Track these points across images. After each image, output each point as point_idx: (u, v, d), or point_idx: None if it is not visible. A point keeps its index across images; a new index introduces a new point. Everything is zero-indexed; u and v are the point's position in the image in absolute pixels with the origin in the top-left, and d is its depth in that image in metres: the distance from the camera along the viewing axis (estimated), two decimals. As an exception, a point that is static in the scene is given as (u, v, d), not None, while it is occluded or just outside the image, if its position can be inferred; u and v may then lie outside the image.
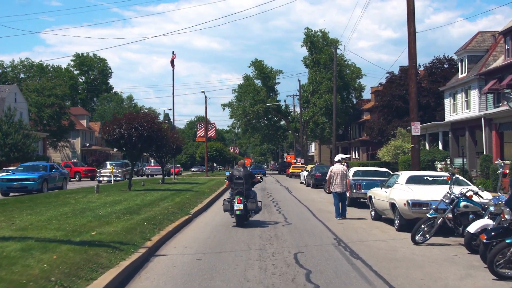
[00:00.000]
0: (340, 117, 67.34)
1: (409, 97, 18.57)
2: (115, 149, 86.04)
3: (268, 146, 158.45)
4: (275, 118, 74.89)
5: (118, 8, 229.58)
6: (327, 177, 16.00)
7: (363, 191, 18.03)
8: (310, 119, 67.92)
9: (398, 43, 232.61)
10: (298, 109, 74.93)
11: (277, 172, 78.96)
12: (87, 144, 73.36)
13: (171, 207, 15.70)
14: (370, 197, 15.40)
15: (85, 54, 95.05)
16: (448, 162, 31.58)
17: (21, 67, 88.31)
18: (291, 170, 50.68)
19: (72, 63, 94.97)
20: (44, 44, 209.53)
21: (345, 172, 15.67)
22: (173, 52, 33.51)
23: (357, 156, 58.71)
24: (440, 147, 33.49)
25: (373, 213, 15.21)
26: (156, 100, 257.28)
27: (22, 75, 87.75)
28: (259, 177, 15.46)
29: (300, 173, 38.93)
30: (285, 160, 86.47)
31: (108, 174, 34.33)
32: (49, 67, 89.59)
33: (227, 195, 15.58)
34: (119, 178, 34.84)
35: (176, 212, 14.72)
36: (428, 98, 44.44)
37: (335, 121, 44.88)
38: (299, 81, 63.42)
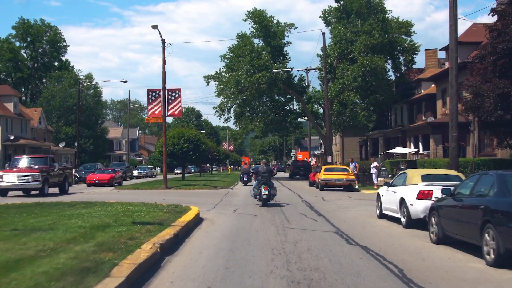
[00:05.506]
0: (384, 93, 44.73)
1: None
2: (61, 145, 63.57)
3: (270, 142, 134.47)
4: (282, 99, 51.82)
5: (118, 8, 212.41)
6: None
7: None
8: (336, 97, 45.19)
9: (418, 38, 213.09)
10: (316, 86, 52.27)
11: (286, 175, 56.43)
12: (12, 138, 50.52)
13: None
14: None
15: (32, 22, 72.23)
16: None
17: None
18: (322, 176, 27.26)
19: (14, 32, 72.16)
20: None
21: None
22: None
23: (422, 151, 35.76)
24: None
25: None
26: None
27: None
28: (275, 171, 25.97)
29: (380, 194, 14.24)
30: (295, 159, 63.55)
31: None
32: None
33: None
34: None
35: None
36: None
37: (455, 60, 20.96)
38: (323, 34, 39.78)
